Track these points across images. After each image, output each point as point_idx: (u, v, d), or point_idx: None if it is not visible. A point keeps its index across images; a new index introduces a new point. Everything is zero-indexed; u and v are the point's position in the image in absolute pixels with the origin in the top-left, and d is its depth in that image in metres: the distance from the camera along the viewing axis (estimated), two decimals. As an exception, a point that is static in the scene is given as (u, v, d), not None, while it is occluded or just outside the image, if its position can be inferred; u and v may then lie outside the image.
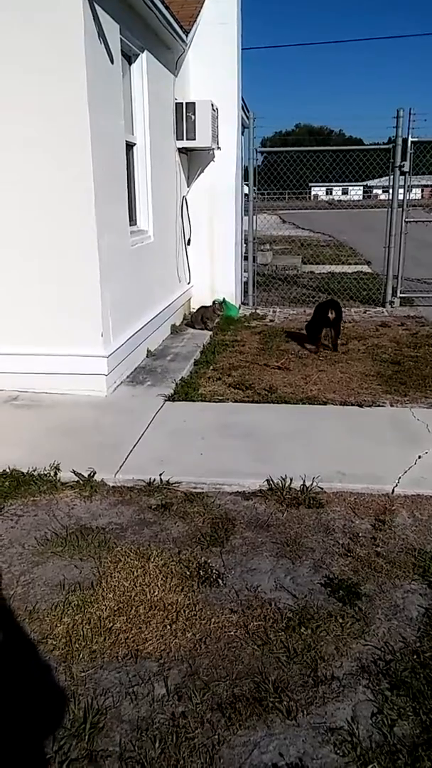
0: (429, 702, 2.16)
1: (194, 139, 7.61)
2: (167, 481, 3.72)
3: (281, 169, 10.75)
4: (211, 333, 7.65)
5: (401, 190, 9.06)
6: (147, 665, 2.36)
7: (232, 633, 2.52)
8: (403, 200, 9.08)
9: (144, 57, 6.32)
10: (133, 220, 6.39)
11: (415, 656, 2.38)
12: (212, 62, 8.15)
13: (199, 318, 7.98)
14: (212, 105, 7.66)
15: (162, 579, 2.84)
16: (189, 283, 8.74)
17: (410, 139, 8.72)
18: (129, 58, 6.18)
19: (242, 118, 9.13)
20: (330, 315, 6.57)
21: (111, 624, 2.56)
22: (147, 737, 2.05)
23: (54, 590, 2.79)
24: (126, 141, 5.86)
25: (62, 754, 2.00)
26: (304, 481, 3.65)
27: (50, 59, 4.59)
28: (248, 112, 9.39)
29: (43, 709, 2.18)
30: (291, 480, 3.67)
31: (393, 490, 3.61)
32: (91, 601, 2.69)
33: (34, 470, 3.81)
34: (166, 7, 6.21)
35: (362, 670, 2.33)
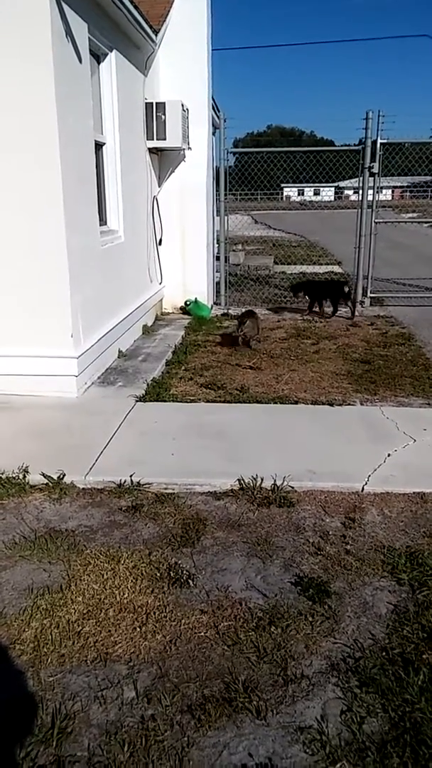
0: (397, 699, 2.18)
1: (164, 139, 7.59)
2: (138, 483, 3.70)
3: (253, 169, 10.80)
4: (183, 333, 7.63)
5: (371, 191, 9.14)
6: (116, 668, 2.34)
7: (202, 634, 2.51)
8: (372, 201, 9.15)
9: (113, 56, 6.28)
10: (103, 220, 6.34)
11: (383, 653, 2.40)
12: (182, 62, 8.14)
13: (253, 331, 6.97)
14: (182, 105, 7.65)
15: (132, 581, 2.83)
16: (161, 284, 8.71)
17: (379, 141, 8.80)
18: (98, 57, 6.14)
19: (213, 118, 9.14)
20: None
21: (80, 627, 2.54)
22: (116, 741, 2.03)
23: (22, 594, 2.75)
24: (95, 141, 5.82)
25: (30, 760, 1.97)
26: (275, 481, 3.66)
27: (16, 58, 4.53)
28: (219, 112, 9.40)
29: (10, 716, 2.14)
30: (262, 479, 3.68)
31: (363, 488, 3.64)
32: (60, 605, 2.66)
33: (2, 473, 3.76)
34: (135, 6, 6.18)
35: (332, 668, 2.34)
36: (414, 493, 3.60)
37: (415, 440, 4.25)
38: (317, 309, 8.86)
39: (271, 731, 2.07)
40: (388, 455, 4.01)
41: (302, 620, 2.57)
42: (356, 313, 8.66)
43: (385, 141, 8.87)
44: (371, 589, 2.78)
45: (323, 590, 2.75)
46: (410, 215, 23.26)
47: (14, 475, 3.75)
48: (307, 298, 8.99)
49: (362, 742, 2.02)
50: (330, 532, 3.24)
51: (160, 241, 8.52)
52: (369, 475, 3.75)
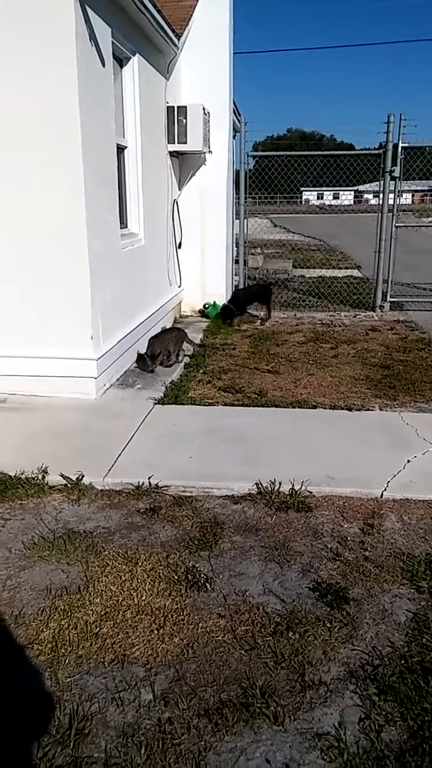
0: (416, 707, 2.16)
1: (185, 142, 7.62)
2: (156, 485, 3.70)
3: (273, 173, 10.78)
4: (201, 336, 7.64)
5: (391, 195, 9.10)
6: (134, 670, 2.34)
7: (219, 638, 2.50)
8: (393, 205, 9.11)
9: (136, 60, 6.32)
10: (123, 223, 6.37)
11: (402, 661, 2.38)
12: (204, 66, 8.17)
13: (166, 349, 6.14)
14: (204, 109, 7.67)
15: (150, 583, 2.83)
16: (180, 287, 8.73)
17: (401, 145, 8.76)
18: (120, 61, 6.18)
19: (234, 122, 9.15)
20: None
21: (98, 629, 2.54)
22: (133, 743, 2.03)
23: (41, 595, 2.77)
24: (117, 144, 5.85)
25: (47, 760, 1.98)
26: (293, 485, 3.65)
27: (41, 62, 4.58)
28: (240, 116, 9.42)
29: (28, 716, 2.15)
30: (280, 484, 3.66)
31: (382, 494, 3.62)
32: (78, 606, 2.67)
33: (22, 473, 3.78)
34: (158, 11, 6.21)
35: (350, 675, 2.32)
36: (434, 499, 3.57)
37: (435, 446, 4.22)
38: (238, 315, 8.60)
39: (288, 737, 2.06)
40: (408, 461, 3.98)
41: (320, 626, 2.55)
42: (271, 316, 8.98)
43: (406, 145, 8.83)
44: (390, 597, 2.76)
45: (341, 596, 2.73)
46: (431, 219, 23.10)
47: (33, 476, 3.77)
48: (235, 308, 8.56)
49: (380, 750, 2.01)
50: (348, 538, 3.22)
51: (180, 244, 8.54)
52: (388, 481, 3.72)
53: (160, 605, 2.68)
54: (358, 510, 3.49)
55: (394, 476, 3.78)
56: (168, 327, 6.90)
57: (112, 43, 5.45)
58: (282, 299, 10.48)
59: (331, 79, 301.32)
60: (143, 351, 6.00)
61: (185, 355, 6.53)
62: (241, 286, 9.80)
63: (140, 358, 6.00)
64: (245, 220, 9.63)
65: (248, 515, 3.46)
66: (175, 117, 7.52)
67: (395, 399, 5.32)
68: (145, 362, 5.88)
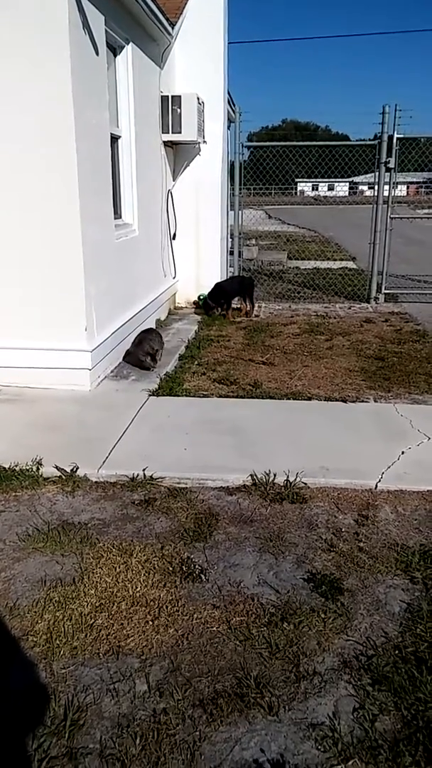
0: (410, 697, 2.17)
1: (180, 132, 7.58)
2: (151, 477, 3.70)
3: (268, 164, 10.76)
4: (196, 328, 7.63)
5: (386, 187, 9.08)
6: (128, 661, 2.34)
7: (214, 629, 2.51)
8: (388, 197, 9.09)
9: (129, 49, 6.26)
10: (117, 213, 6.34)
11: (396, 651, 2.39)
12: (198, 55, 8.11)
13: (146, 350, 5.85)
14: (198, 98, 7.63)
15: (144, 575, 2.83)
16: (174, 278, 8.71)
17: (396, 136, 8.73)
18: (114, 50, 6.13)
19: (228, 112, 9.10)
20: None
21: (92, 620, 2.54)
22: (128, 734, 2.04)
23: (35, 586, 2.76)
24: (111, 134, 5.81)
25: (42, 751, 1.98)
26: (287, 476, 3.65)
27: (33, 50, 4.53)
28: (234, 106, 9.36)
29: (23, 707, 2.15)
30: (275, 475, 3.67)
31: (376, 486, 3.62)
32: (73, 597, 2.67)
33: (16, 465, 3.77)
34: (152, -1, 6.16)
35: (344, 665, 2.33)
36: (428, 491, 3.58)
37: (429, 438, 4.23)
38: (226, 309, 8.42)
39: (283, 727, 2.07)
40: (402, 453, 3.99)
41: (315, 617, 2.56)
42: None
43: (401, 136, 8.80)
44: (384, 587, 2.77)
45: (336, 587, 2.74)
46: (426, 211, 23.09)
47: (28, 468, 3.76)
48: (222, 301, 8.38)
49: (374, 740, 2.02)
50: (343, 529, 3.22)
51: (174, 235, 8.51)
52: (383, 473, 3.72)
53: (154, 596, 2.68)
54: (352, 501, 3.50)
55: (389, 467, 3.79)
56: (145, 329, 6.72)
57: (106, 31, 5.40)
58: (277, 291, 10.47)
59: (327, 70, 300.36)
60: (134, 347, 5.96)
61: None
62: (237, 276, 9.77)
63: (131, 355, 5.95)
64: (240, 212, 9.59)
65: (243, 506, 3.46)
66: (170, 106, 7.47)
67: (390, 390, 5.33)
68: (140, 360, 5.81)
